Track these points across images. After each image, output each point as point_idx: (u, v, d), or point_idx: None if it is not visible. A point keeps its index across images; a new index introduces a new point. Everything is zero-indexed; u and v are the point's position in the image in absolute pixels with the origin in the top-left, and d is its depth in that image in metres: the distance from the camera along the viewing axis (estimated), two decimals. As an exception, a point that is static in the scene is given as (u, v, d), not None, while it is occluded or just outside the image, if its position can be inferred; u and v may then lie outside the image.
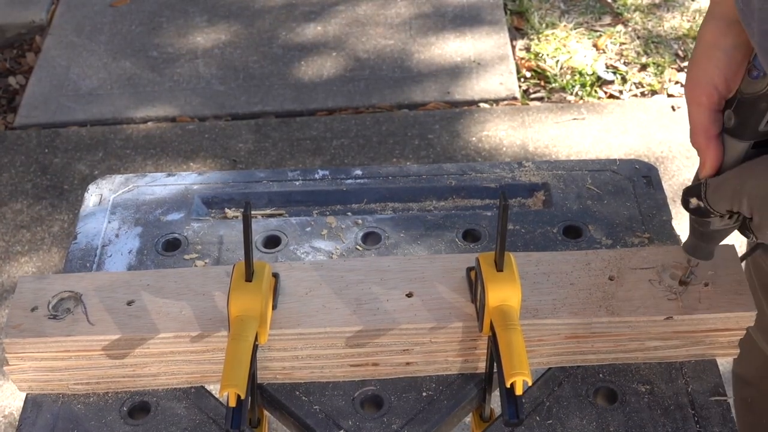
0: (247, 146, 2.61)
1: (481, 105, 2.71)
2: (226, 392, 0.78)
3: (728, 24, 0.78)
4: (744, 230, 0.85)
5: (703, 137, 0.81)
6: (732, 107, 0.80)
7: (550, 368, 0.96)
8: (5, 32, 3.05)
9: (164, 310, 0.92)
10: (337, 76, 2.82)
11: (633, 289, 0.94)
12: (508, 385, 0.78)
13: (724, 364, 0.98)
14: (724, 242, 0.99)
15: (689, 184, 0.88)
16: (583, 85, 2.76)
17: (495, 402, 0.92)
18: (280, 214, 1.14)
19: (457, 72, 2.81)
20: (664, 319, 0.92)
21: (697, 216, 0.88)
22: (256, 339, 0.85)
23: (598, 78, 2.79)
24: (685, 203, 0.88)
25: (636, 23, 2.99)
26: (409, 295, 0.94)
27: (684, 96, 0.83)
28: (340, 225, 1.10)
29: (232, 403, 0.78)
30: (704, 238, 0.89)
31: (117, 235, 1.10)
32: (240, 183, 1.17)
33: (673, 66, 2.83)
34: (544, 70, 2.81)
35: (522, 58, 2.87)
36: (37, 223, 2.44)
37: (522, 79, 2.81)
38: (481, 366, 0.95)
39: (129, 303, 0.93)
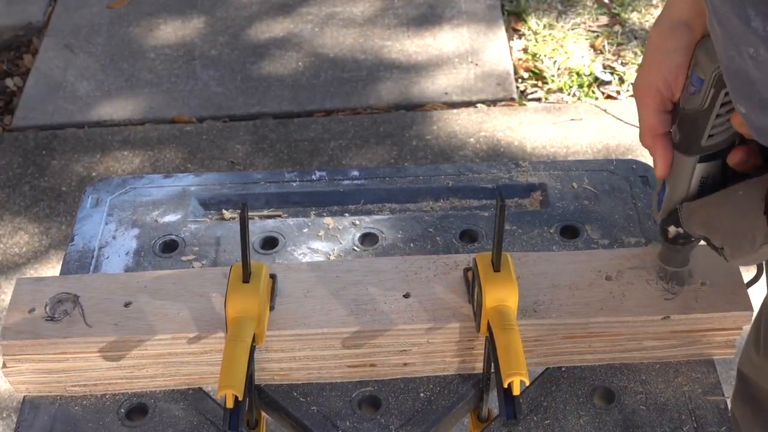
0: (245, 147, 2.61)
1: (479, 106, 2.71)
2: (223, 393, 0.78)
3: (671, 27, 0.79)
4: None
5: (650, 136, 0.83)
6: (676, 123, 0.81)
7: (547, 368, 0.97)
8: (2, 34, 3.05)
9: (161, 311, 0.92)
10: (334, 77, 2.82)
11: (630, 289, 0.94)
12: (506, 386, 0.78)
13: (722, 363, 0.98)
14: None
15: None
16: (580, 86, 2.77)
17: (493, 402, 0.92)
18: (278, 215, 1.14)
19: (454, 73, 2.81)
20: (661, 319, 0.92)
21: (680, 244, 0.88)
22: (253, 340, 0.85)
23: (596, 78, 2.79)
24: (665, 233, 0.88)
25: (633, 24, 2.99)
26: (407, 296, 0.94)
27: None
28: (338, 226, 1.10)
29: (230, 405, 0.78)
30: (675, 248, 0.90)
31: (114, 237, 1.10)
32: (237, 184, 1.17)
33: (670, 66, 2.82)
34: (541, 71, 2.81)
35: (519, 59, 2.87)
36: (35, 225, 2.44)
37: (519, 80, 2.81)
38: (479, 366, 0.95)
39: (126, 305, 0.93)
